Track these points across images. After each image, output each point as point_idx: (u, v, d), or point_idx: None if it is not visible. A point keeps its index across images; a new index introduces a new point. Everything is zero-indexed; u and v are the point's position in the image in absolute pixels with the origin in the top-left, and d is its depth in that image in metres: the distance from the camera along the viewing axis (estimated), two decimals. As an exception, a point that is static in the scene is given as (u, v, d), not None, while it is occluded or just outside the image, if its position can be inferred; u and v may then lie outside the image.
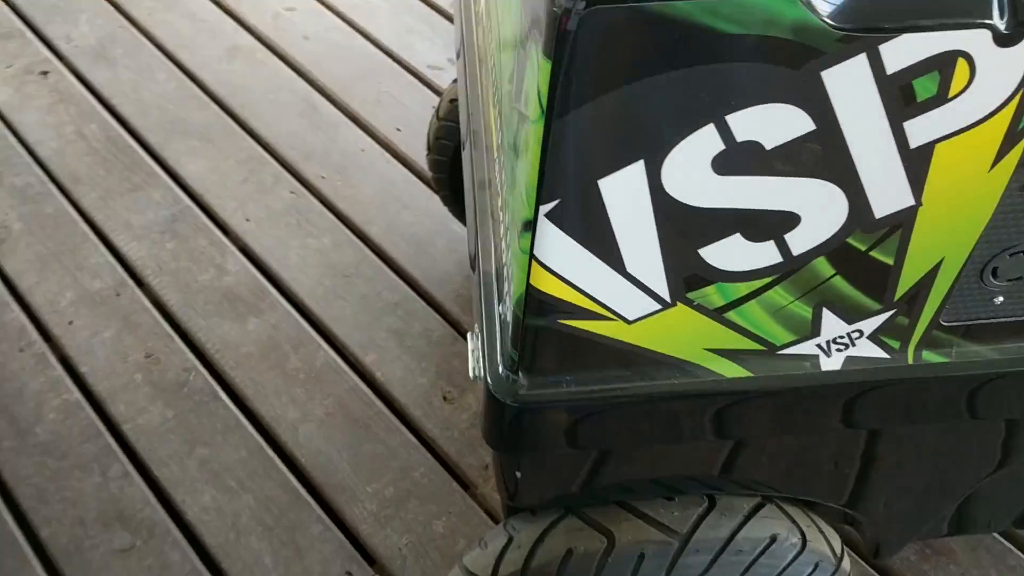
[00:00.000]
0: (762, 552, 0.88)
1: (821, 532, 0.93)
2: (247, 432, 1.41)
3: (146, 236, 1.65)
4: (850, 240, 0.60)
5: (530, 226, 0.58)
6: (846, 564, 0.96)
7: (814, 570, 0.91)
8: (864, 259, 0.62)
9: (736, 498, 0.90)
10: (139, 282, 1.60)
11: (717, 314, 0.65)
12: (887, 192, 0.58)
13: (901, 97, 0.53)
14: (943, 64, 0.51)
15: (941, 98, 0.53)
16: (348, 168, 1.76)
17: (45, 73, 1.93)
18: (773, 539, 0.89)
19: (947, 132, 0.54)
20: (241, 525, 1.32)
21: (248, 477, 1.36)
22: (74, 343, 1.50)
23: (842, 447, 0.84)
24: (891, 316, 0.66)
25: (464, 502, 1.33)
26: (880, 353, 0.69)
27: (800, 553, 0.90)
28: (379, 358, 1.48)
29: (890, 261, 0.62)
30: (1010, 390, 0.72)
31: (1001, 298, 0.66)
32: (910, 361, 0.70)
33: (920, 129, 0.54)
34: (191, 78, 1.92)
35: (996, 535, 1.31)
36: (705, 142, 0.54)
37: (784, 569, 0.89)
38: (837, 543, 0.95)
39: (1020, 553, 1.29)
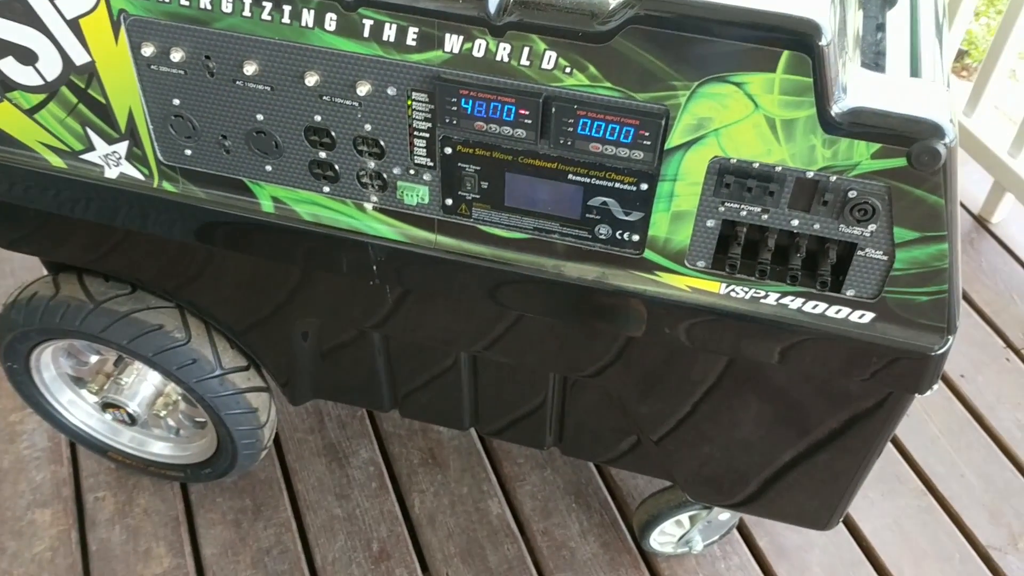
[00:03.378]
0: (149, 332, 1.29)
1: (212, 343, 1.32)
2: None
3: None
4: (74, 78, 1.02)
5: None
6: (237, 379, 1.34)
7: (192, 363, 1.31)
8: (88, 95, 1.03)
9: (154, 297, 1.31)
10: None
11: (30, 114, 1.08)
12: (74, 48, 0.99)
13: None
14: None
15: (56, -12, 0.95)
16: None
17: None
18: (160, 327, 1.29)
19: (79, 12, 0.96)
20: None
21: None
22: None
23: (228, 276, 1.23)
24: (129, 145, 1.07)
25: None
26: (138, 175, 1.10)
27: (182, 345, 1.30)
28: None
29: (103, 100, 1.03)
30: (238, 231, 1.10)
31: (189, 151, 1.05)
32: (155, 185, 1.10)
33: (66, 7, 0.96)
34: None
35: (489, 465, 1.62)
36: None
37: (165, 350, 1.30)
38: (230, 359, 1.33)
39: (496, 482, 1.60)
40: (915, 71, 0.92)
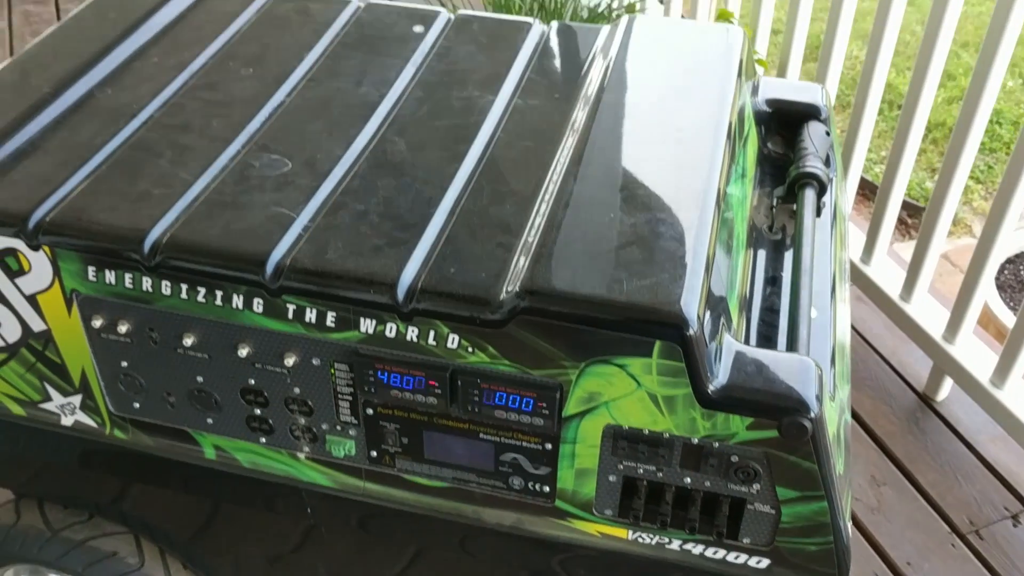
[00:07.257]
0: (104, 559, 1.34)
1: (165, 565, 1.37)
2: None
3: None
4: (32, 342, 1.11)
5: None
6: (189, 600, 1.39)
7: (145, 587, 1.36)
8: (45, 355, 1.12)
9: (110, 522, 1.37)
10: None
11: (-9, 370, 1.17)
12: (32, 318, 1.09)
13: (5, 268, 1.05)
14: (9, 253, 1.03)
15: (21, 271, 1.05)
16: None
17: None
18: (114, 553, 1.35)
19: (36, 290, 1.06)
20: None
21: None
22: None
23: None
24: (83, 398, 1.15)
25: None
26: (92, 423, 1.18)
27: (135, 571, 1.35)
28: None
29: (58, 360, 1.12)
30: (184, 475, 1.18)
31: (138, 404, 1.14)
32: (107, 432, 1.18)
33: (25, 285, 1.06)
34: None
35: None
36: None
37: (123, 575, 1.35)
38: (182, 580, 1.39)
39: None
40: (792, 342, 1.00)
